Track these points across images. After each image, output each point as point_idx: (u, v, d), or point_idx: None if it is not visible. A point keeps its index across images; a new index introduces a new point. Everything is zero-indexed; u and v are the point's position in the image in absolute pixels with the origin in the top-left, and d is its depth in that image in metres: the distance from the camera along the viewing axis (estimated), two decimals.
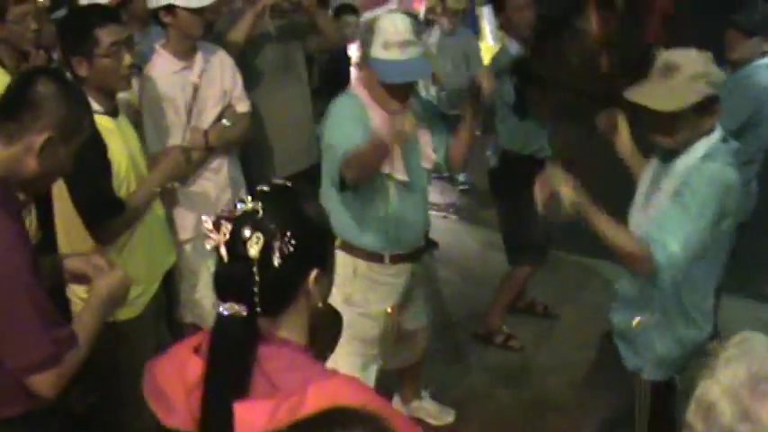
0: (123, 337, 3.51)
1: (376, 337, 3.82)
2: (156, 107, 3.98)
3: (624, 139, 3.38)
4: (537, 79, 4.04)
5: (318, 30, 4.74)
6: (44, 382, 2.36)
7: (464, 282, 6.11)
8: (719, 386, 1.30)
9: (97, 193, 3.32)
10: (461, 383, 4.85)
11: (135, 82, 3.93)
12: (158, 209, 3.77)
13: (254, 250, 1.71)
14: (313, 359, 1.83)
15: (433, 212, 7.14)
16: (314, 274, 1.80)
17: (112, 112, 3.41)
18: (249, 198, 1.77)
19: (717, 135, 2.89)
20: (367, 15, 8.20)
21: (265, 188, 1.81)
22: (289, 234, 1.73)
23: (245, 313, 1.75)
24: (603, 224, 2.85)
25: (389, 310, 3.79)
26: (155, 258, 3.65)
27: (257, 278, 1.72)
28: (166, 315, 4.04)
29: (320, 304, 1.86)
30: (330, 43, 4.99)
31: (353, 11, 6.34)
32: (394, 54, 3.36)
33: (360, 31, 3.51)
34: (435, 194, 7.51)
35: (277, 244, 1.72)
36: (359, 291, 3.70)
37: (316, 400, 1.59)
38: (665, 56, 2.90)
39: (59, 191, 3.38)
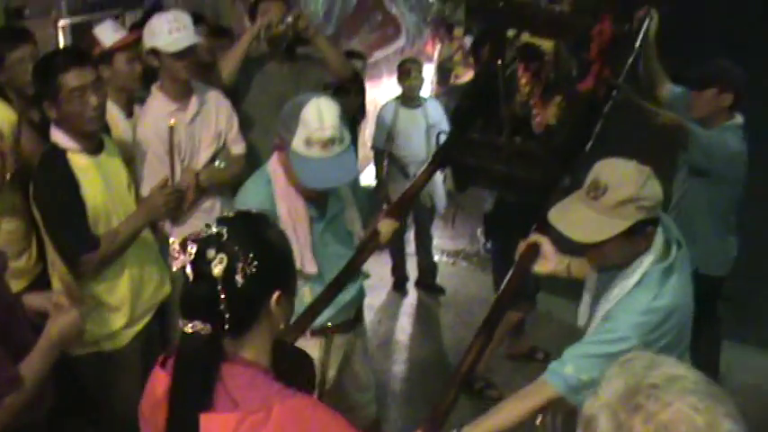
0: (108, 367, 3.62)
1: None
2: (147, 147, 4.06)
3: (551, 266, 3.20)
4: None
5: (324, 62, 4.74)
6: None
7: (467, 328, 6.05)
8: (599, 401, 1.34)
9: (70, 229, 3.41)
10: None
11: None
12: (152, 243, 3.85)
13: (217, 269, 1.78)
14: (273, 380, 1.88)
15: (443, 258, 7.26)
16: (276, 295, 1.88)
17: (92, 150, 3.49)
18: (214, 223, 1.86)
19: (650, 258, 2.71)
20: (377, 54, 8.38)
21: (230, 214, 1.93)
22: (251, 255, 1.80)
23: (209, 331, 1.80)
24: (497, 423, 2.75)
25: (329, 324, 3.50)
26: (144, 291, 3.71)
27: (222, 296, 1.78)
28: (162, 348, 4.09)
29: (283, 325, 1.94)
30: (334, 74, 4.89)
31: (359, 56, 6.45)
32: (315, 152, 3.12)
33: (285, 112, 3.25)
34: (445, 240, 7.55)
35: (240, 265, 1.79)
36: None
37: (280, 417, 1.74)
38: (596, 171, 2.70)
39: None
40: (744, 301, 5.71)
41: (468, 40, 9.58)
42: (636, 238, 2.67)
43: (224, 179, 4.27)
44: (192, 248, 1.80)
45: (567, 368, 2.68)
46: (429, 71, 8.95)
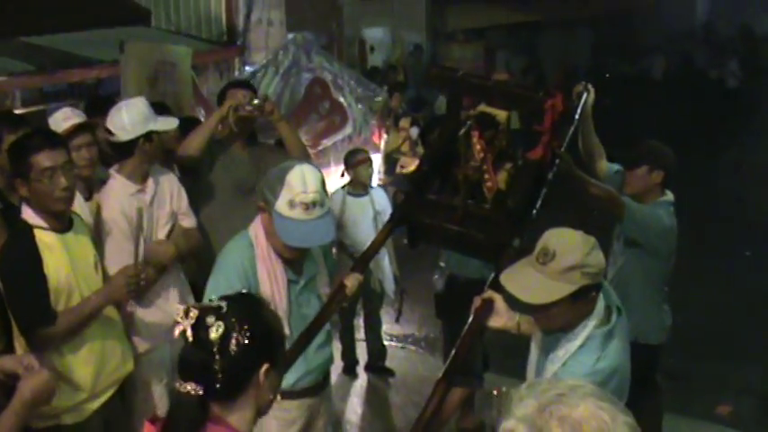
0: None
1: None
2: (111, 228, 4.22)
3: (504, 321, 3.31)
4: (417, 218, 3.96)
5: (284, 151, 4.90)
6: None
7: (416, 408, 6.10)
8: (515, 418, 1.52)
9: (29, 302, 3.53)
10: None
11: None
12: (116, 320, 3.94)
13: (215, 334, 1.99)
14: None
15: (391, 343, 7.37)
16: (264, 368, 2.07)
17: (60, 229, 3.62)
18: (216, 298, 2.09)
19: (593, 322, 2.89)
20: (325, 142, 8.59)
21: (232, 294, 2.17)
22: (246, 327, 2.02)
23: (200, 392, 2.00)
24: None
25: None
26: (105, 366, 3.78)
27: (216, 358, 1.99)
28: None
29: (270, 397, 2.14)
30: (292, 157, 4.88)
31: None
32: (298, 214, 3.34)
33: (270, 175, 3.50)
34: (394, 326, 7.67)
35: (235, 334, 2.00)
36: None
37: None
38: (546, 239, 2.91)
39: None
40: (684, 377, 5.94)
41: (414, 131, 9.90)
42: (580, 302, 2.86)
43: (182, 251, 4.47)
44: (194, 313, 2.00)
45: None
46: (376, 161, 9.18)
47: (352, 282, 3.60)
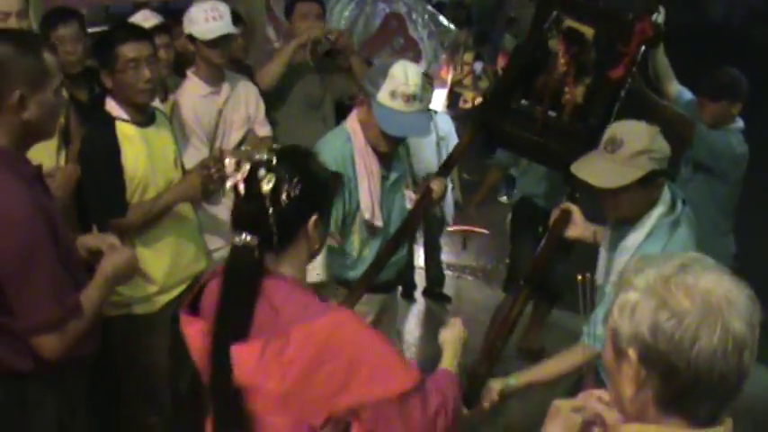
0: (137, 331, 3.73)
1: None
2: (185, 127, 4.27)
3: (581, 231, 3.41)
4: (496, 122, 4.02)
5: (352, 75, 4.99)
6: (46, 344, 2.54)
7: (472, 333, 6.15)
8: (636, 290, 1.50)
9: (102, 192, 3.59)
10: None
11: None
12: (191, 218, 3.97)
13: (267, 187, 2.00)
14: (308, 291, 2.14)
15: (448, 272, 7.43)
16: (313, 218, 2.11)
17: (141, 122, 3.66)
18: (265, 151, 2.08)
19: (659, 210, 2.99)
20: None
21: (279, 147, 2.16)
22: (296, 180, 2.04)
23: (255, 242, 2.04)
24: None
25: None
26: (179, 262, 3.83)
27: (270, 210, 2.01)
28: None
29: (317, 247, 2.19)
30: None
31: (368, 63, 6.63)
32: (398, 105, 3.45)
33: (372, 70, 3.65)
34: (451, 255, 7.73)
35: (285, 186, 2.03)
36: None
37: (298, 340, 1.96)
38: (612, 129, 3.03)
39: None
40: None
41: (477, 66, 9.83)
42: (648, 188, 2.95)
43: None
44: (246, 167, 2.02)
45: (599, 330, 2.91)
46: (441, 95, 9.12)
47: (438, 185, 3.72)
